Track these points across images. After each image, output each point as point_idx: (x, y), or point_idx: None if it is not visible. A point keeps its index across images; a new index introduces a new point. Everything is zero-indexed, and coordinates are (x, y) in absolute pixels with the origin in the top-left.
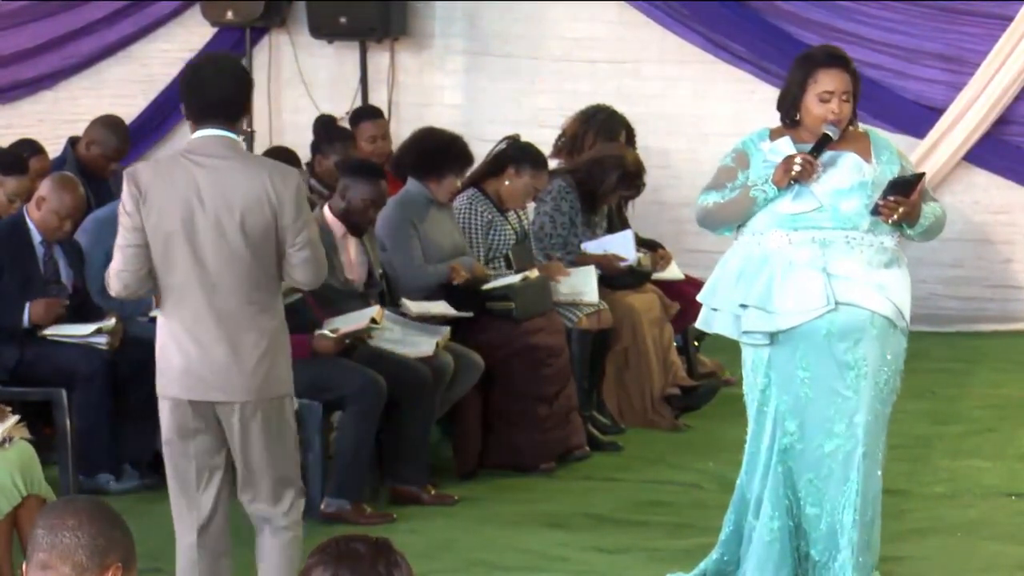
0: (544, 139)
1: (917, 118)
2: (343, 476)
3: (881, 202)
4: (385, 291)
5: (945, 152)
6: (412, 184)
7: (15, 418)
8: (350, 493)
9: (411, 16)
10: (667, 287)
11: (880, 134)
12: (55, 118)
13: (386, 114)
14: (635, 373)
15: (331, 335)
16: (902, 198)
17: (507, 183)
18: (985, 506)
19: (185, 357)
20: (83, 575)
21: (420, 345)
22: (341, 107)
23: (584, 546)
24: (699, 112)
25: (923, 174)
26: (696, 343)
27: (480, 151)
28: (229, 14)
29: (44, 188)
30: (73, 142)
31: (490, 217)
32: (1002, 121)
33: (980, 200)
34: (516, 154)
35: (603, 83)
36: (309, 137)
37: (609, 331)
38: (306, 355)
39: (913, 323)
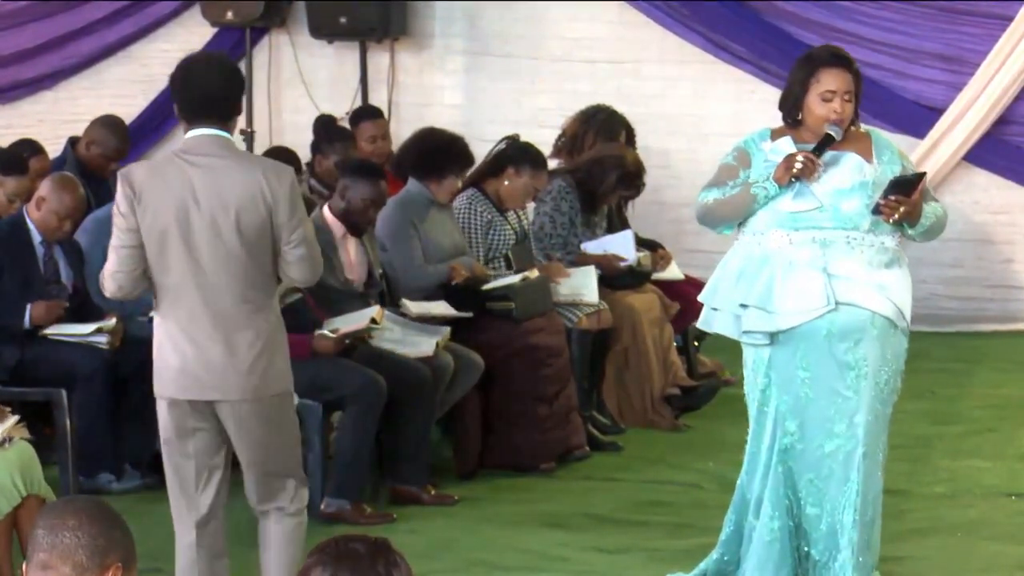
0: (544, 139)
1: (917, 118)
2: (343, 476)
3: (882, 201)
4: (385, 291)
5: (945, 152)
6: (412, 184)
7: (15, 418)
8: (350, 493)
9: (411, 16)
10: (667, 287)
11: (882, 134)
12: (55, 118)
13: (386, 114)
14: (635, 373)
15: (331, 335)
16: (903, 197)
17: (507, 183)
18: (985, 506)
19: (181, 357)
20: (83, 575)
21: (420, 345)
22: (341, 107)
23: (584, 546)
24: (699, 112)
25: (924, 174)
26: (696, 343)
27: (480, 151)
28: (229, 14)
29: (44, 188)
30: (73, 142)
31: (490, 217)
32: (1002, 121)
33: (980, 200)
34: (516, 154)
35: (603, 83)
36: (309, 137)
37: (609, 331)
38: (306, 355)
39: (913, 323)
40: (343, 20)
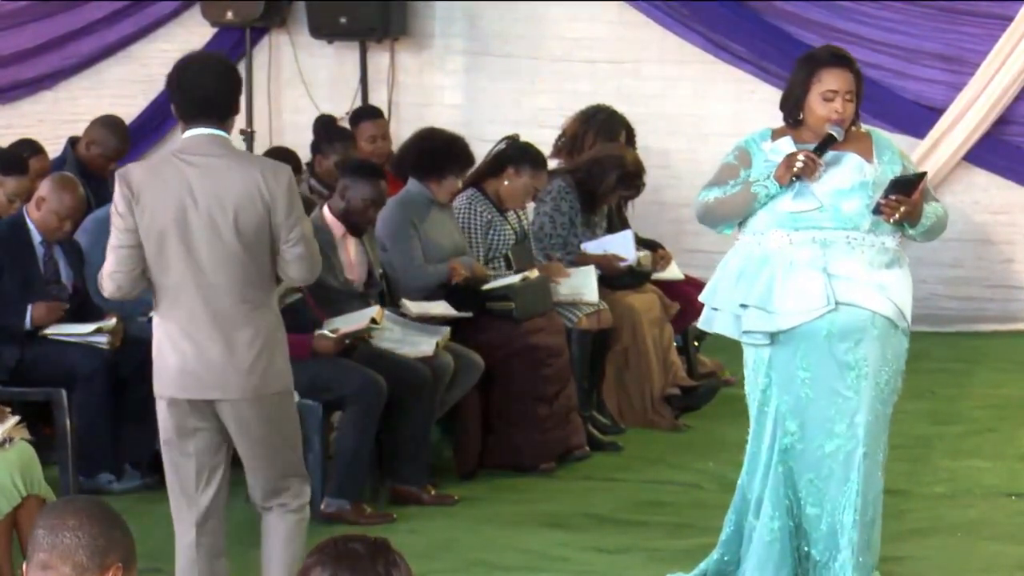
0: (544, 139)
1: (917, 118)
2: (343, 476)
3: (883, 201)
4: (385, 291)
5: (945, 152)
6: (413, 184)
7: (15, 418)
8: (350, 493)
9: (411, 16)
10: (667, 287)
11: (882, 134)
12: (55, 118)
13: (386, 114)
14: (635, 373)
15: (331, 335)
16: (904, 197)
17: (507, 183)
18: (985, 506)
19: (181, 356)
20: (83, 575)
21: (420, 345)
22: (341, 107)
23: (584, 546)
24: (699, 112)
25: (924, 173)
26: (696, 343)
27: (480, 151)
28: (229, 14)
29: (44, 188)
30: (73, 142)
31: (489, 217)
32: (1002, 121)
33: (980, 200)
34: (516, 154)
35: (603, 83)
36: (309, 137)
37: (609, 331)
38: (306, 355)
39: (913, 323)
40: (343, 20)
